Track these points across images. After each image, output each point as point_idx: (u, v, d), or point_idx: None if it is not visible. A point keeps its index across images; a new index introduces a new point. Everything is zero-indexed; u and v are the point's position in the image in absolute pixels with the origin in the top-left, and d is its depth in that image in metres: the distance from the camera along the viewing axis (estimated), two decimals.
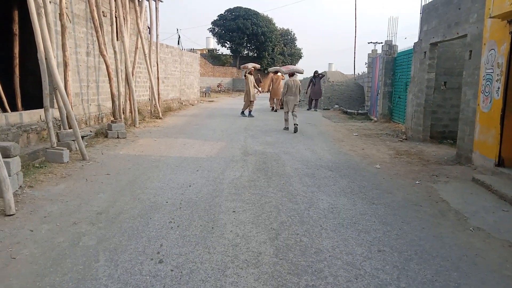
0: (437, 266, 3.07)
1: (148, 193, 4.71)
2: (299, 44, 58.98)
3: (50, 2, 6.75)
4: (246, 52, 47.79)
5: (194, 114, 15.27)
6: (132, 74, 10.82)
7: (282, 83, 16.70)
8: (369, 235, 3.61)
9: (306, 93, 19.47)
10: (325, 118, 14.74)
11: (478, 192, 5.11)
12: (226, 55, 47.84)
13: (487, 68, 6.11)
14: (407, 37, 74.61)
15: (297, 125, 10.43)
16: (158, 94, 13.47)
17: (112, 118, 9.46)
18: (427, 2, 8.96)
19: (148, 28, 13.64)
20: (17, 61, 8.92)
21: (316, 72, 18.48)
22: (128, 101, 10.63)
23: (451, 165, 6.70)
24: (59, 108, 6.84)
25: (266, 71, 35.98)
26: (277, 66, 34.59)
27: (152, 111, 13.07)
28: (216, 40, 47.91)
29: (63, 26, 7.38)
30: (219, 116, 14.54)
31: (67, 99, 6.65)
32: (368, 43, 44.61)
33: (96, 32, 8.54)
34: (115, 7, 9.73)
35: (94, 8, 8.38)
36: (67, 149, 6.22)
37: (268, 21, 45.79)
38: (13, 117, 6.39)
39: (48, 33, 6.34)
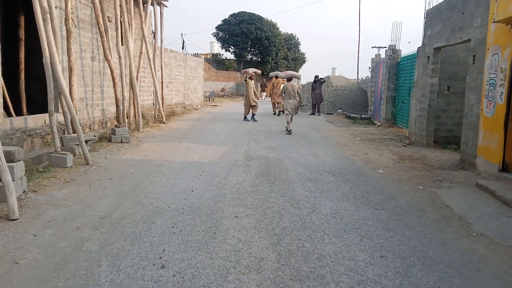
0: (440, 272, 3.05)
1: (151, 197, 4.73)
2: (302, 48, 59.14)
3: (56, 7, 6.82)
4: (250, 56, 47.88)
5: (198, 118, 15.32)
6: (137, 79, 10.89)
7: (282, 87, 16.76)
8: (371, 241, 3.60)
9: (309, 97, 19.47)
10: (328, 123, 14.74)
11: (481, 197, 5.08)
12: (230, 59, 47.93)
13: (491, 73, 6.10)
14: (410, 41, 74.61)
15: (290, 123, 11.17)
16: (162, 99, 13.54)
17: (116, 123, 9.51)
18: (431, 7, 8.97)
19: (153, 33, 13.76)
20: (22, 66, 9.00)
21: (316, 76, 18.38)
22: (132, 106, 10.69)
23: (454, 170, 6.67)
24: (63, 112, 6.89)
25: (269, 76, 36.11)
26: (280, 70, 34.70)
27: (156, 115, 13.13)
28: (220, 45, 48.11)
29: (68, 31, 7.46)
30: (222, 120, 14.59)
31: (71, 104, 6.69)
32: (372, 47, 44.48)
33: (101, 37, 8.62)
34: (120, 12, 9.81)
35: (100, 13, 8.46)
36: (70, 154, 6.26)
37: (272, 26, 45.90)
38: (18, 121, 6.45)
39: (54, 38, 6.41)
